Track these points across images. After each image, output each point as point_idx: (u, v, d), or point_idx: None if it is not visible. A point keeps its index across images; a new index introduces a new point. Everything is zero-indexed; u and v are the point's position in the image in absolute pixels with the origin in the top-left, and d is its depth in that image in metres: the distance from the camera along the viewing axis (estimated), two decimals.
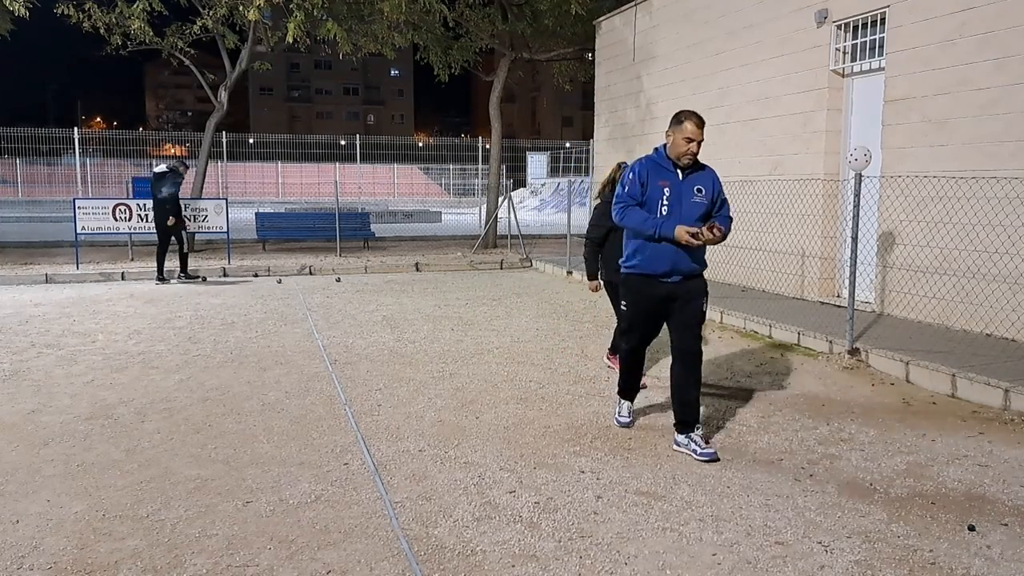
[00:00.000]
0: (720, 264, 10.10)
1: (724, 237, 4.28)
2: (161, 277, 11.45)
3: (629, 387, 4.93)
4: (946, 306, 7.23)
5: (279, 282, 11.75)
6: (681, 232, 4.24)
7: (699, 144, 4.34)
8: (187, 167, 12.10)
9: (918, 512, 3.62)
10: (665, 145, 4.45)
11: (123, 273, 12.01)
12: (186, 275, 11.70)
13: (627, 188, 4.47)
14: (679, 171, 4.39)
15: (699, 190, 4.38)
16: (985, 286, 6.83)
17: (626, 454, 4.37)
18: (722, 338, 7.58)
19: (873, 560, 3.16)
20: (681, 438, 4.41)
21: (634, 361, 4.85)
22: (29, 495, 3.78)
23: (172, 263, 11.74)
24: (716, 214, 4.44)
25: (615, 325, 5.96)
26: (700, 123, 4.34)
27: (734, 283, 10.16)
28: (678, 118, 4.35)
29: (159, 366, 6.40)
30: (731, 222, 4.47)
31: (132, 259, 13.71)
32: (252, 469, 4.12)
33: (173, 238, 11.49)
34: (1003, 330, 6.71)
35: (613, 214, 4.55)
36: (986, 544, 3.31)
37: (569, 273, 12.37)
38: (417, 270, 13.46)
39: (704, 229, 4.23)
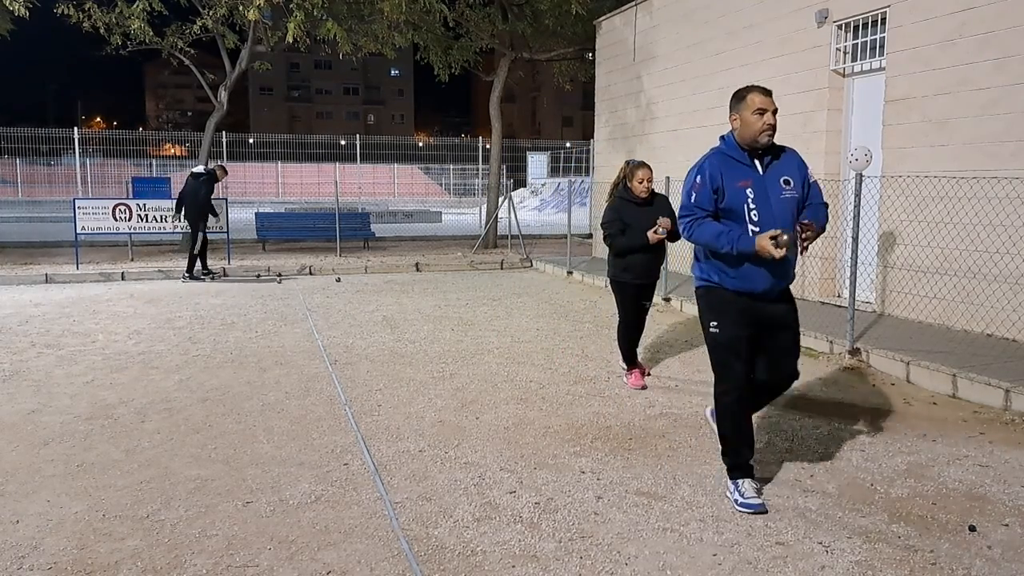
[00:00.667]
0: None
1: (822, 231, 3.61)
2: (192, 275, 11.69)
3: (743, 452, 3.68)
4: (947, 306, 7.23)
5: (279, 282, 11.76)
6: (764, 245, 3.41)
7: (774, 113, 3.56)
8: (225, 171, 12.37)
9: (919, 512, 3.62)
10: (732, 132, 3.66)
11: (123, 273, 12.01)
12: (191, 276, 11.79)
13: (694, 197, 3.62)
14: (757, 162, 3.61)
15: (786, 181, 3.60)
16: (986, 286, 6.83)
17: (626, 454, 4.36)
18: None
19: (874, 560, 3.16)
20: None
21: (741, 411, 3.68)
22: (29, 495, 3.78)
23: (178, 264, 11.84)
24: (807, 204, 3.68)
25: (615, 326, 5.95)
26: (766, 91, 3.59)
27: None
28: (739, 95, 3.62)
29: (159, 366, 6.40)
30: (827, 209, 3.72)
31: (132, 259, 13.71)
32: (252, 469, 4.12)
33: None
34: (1004, 330, 6.71)
35: (680, 229, 3.78)
36: (987, 544, 3.30)
37: (569, 273, 12.36)
38: (417, 270, 13.45)
39: (798, 229, 3.52)
